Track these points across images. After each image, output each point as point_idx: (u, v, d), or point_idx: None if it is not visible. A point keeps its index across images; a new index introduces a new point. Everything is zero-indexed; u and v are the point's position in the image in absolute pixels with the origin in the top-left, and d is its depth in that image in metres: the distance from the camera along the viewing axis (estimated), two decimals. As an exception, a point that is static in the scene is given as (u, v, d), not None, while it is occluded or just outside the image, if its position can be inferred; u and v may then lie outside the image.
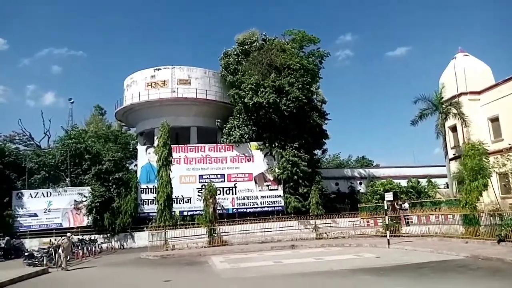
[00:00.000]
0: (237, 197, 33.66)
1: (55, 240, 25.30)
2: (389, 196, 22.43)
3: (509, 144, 25.52)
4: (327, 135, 39.44)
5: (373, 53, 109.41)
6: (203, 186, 30.87)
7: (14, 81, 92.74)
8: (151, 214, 31.10)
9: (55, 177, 34.35)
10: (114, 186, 32.22)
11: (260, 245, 24.90)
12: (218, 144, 35.69)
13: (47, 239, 27.72)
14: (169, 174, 27.50)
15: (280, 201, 33.75)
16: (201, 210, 28.95)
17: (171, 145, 28.71)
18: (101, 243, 29.09)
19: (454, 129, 30.88)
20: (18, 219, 31.34)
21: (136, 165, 35.83)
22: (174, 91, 37.16)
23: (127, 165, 39.17)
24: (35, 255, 20.67)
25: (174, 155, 30.19)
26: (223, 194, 32.95)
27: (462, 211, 20.89)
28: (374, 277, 12.77)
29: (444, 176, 34.62)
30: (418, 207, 28.47)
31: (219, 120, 37.56)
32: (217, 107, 38.56)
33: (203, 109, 38.49)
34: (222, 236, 26.66)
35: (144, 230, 29.95)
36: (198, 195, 32.03)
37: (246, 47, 36.56)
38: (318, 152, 40.90)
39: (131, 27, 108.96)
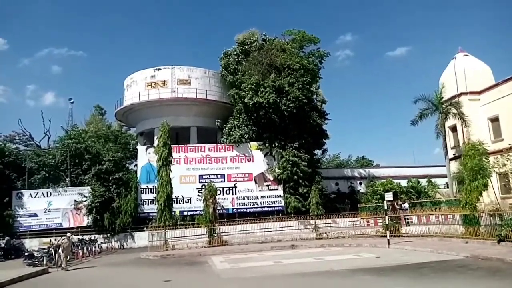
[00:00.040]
0: (237, 197, 33.65)
1: (55, 240, 25.29)
2: (389, 196, 22.43)
3: (509, 144, 25.51)
4: (327, 135, 39.47)
5: (373, 53, 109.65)
6: (203, 186, 30.87)
7: (14, 81, 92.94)
8: (151, 214, 31.11)
9: (55, 177, 34.36)
10: (114, 186, 32.22)
11: (260, 245, 24.89)
12: (218, 144, 35.69)
13: (47, 239, 27.73)
14: (169, 174, 27.47)
15: (280, 201, 33.74)
16: (201, 210, 28.95)
17: (171, 145, 28.68)
18: (101, 243, 29.08)
19: (454, 129, 30.88)
20: (18, 219, 31.34)
21: (136, 165, 35.84)
22: (174, 91, 37.15)
23: (127, 165, 39.20)
24: (35, 255, 20.69)
25: (174, 155, 30.18)
26: (223, 194, 32.95)
27: (462, 211, 20.88)
28: (374, 277, 12.77)
29: (444, 176, 34.63)
30: (418, 207, 28.47)
31: (219, 120, 37.58)
32: (217, 107, 38.56)
33: (203, 109, 38.49)
34: (222, 236, 26.66)
35: (144, 230, 29.94)
36: (198, 195, 32.03)
37: (246, 47, 36.55)
38: (318, 152, 40.94)
39: (131, 27, 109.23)
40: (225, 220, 30.13)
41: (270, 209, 33.49)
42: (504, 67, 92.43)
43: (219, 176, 33.66)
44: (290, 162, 32.67)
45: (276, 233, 28.95)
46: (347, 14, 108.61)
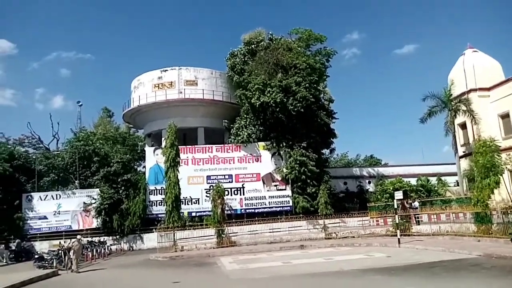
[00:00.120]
0: (245, 197, 33.57)
1: (64, 242, 25.50)
2: (399, 195, 22.20)
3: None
4: (335, 134, 39.22)
5: (380, 51, 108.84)
6: (211, 187, 30.82)
7: (24, 84, 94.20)
8: (159, 215, 31.21)
9: (64, 180, 34.62)
10: (122, 187, 32.39)
11: (269, 245, 24.80)
12: (226, 145, 35.65)
13: (57, 242, 28.03)
14: (177, 175, 27.46)
15: (288, 201, 33.59)
16: (209, 211, 28.94)
17: (179, 146, 28.68)
18: (110, 245, 29.20)
19: (463, 126, 30.48)
20: (28, 221, 31.60)
21: (144, 166, 36.00)
22: (181, 92, 37.19)
23: (135, 166, 39.39)
24: (45, 257, 20.81)
25: (182, 156, 30.21)
26: (231, 195, 32.87)
27: (474, 209, 20.59)
28: (385, 277, 12.61)
29: (453, 174, 34.25)
30: (428, 205, 28.21)
31: (226, 121, 37.53)
32: (224, 107, 38.52)
33: (210, 110, 38.48)
34: (231, 237, 26.60)
35: (153, 232, 30.03)
36: (206, 196, 32.02)
37: (253, 46, 36.41)
38: (326, 151, 40.67)
39: (138, 29, 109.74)
40: (234, 220, 30.02)
41: (278, 209, 33.34)
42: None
43: (227, 176, 33.60)
44: (298, 162, 32.48)
45: (285, 233, 28.81)
46: (353, 12, 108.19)
